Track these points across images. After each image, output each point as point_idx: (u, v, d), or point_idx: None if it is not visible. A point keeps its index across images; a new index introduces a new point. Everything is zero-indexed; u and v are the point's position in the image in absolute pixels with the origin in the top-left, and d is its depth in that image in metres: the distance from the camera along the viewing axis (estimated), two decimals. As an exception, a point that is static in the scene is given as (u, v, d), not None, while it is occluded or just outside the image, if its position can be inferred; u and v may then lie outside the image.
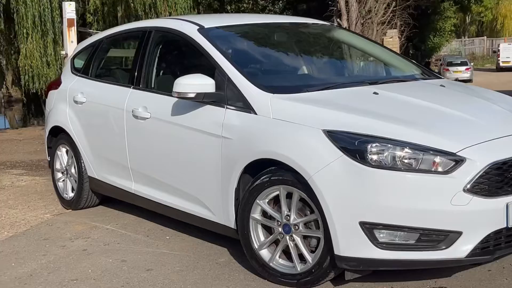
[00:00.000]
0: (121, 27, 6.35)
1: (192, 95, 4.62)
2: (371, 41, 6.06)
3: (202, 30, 5.12)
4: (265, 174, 4.26)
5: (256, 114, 4.40)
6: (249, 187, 4.33)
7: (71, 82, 6.42)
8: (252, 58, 5.25)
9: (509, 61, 43.78)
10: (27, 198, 7.14)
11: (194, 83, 4.61)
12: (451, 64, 37.24)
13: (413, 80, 5.14)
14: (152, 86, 5.44)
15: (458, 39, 53.17)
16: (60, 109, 6.44)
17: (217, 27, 5.27)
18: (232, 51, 5.05)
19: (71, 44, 12.12)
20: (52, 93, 6.73)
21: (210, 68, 4.83)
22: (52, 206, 6.73)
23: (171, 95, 4.95)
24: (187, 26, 5.25)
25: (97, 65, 6.33)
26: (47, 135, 6.74)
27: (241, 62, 4.86)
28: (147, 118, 5.21)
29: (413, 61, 5.67)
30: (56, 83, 6.76)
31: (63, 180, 6.61)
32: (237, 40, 5.40)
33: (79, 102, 6.15)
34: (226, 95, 4.61)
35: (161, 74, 5.55)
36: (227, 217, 4.61)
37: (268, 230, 4.38)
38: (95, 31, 17.58)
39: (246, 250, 4.42)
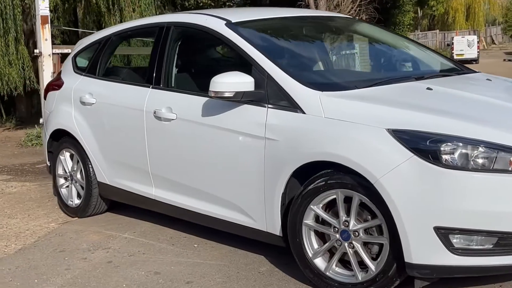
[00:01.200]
0: (130, 23, 5.96)
1: (230, 95, 4.31)
2: (398, 35, 5.81)
3: (230, 25, 4.82)
4: (320, 177, 3.98)
5: (304, 113, 4.12)
6: (302, 192, 4.05)
7: (75, 82, 6.02)
8: (289, 53, 4.96)
9: (463, 54, 44.32)
10: (24, 206, 6.71)
11: (233, 82, 4.31)
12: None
13: (455, 75, 4.92)
14: (175, 85, 5.11)
15: (412, 32, 53.60)
16: (64, 111, 6.04)
17: (245, 21, 4.96)
18: (267, 47, 4.74)
19: (45, 42, 11.61)
20: (52, 95, 6.32)
21: (243, 65, 4.55)
22: (54, 214, 6.34)
23: (200, 95, 4.70)
24: (213, 21, 4.93)
25: (105, 63, 5.94)
26: (47, 139, 6.33)
27: (278, 58, 4.58)
28: (173, 119, 4.88)
29: (443, 54, 5.45)
30: (56, 84, 6.35)
31: (67, 187, 6.22)
32: (268, 35, 5.09)
33: (87, 103, 5.76)
34: (266, 94, 4.33)
35: (185, 72, 5.22)
36: (271, 224, 4.33)
37: (321, 237, 4.11)
38: (59, 26, 17.10)
39: (299, 259, 4.13)
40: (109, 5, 19.38)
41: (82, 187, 6.02)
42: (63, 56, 10.06)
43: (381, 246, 3.85)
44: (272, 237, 4.36)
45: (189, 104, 4.80)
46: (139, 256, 4.93)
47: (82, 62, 6.21)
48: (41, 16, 11.55)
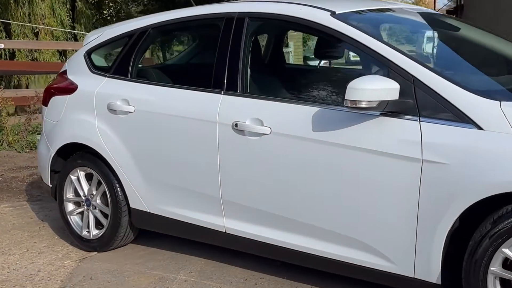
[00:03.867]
0: (175, 13, 4.73)
1: (373, 105, 3.37)
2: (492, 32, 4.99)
3: (338, 16, 3.86)
4: (516, 213, 3.12)
5: (481, 129, 3.23)
6: (489, 231, 3.17)
7: (97, 85, 4.82)
8: (428, 53, 4.04)
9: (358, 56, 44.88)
10: (14, 237, 5.41)
11: (377, 88, 3.37)
12: (308, 58, 37.66)
13: None
14: (259, 91, 4.11)
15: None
16: (82, 121, 4.84)
17: (351, 12, 4.02)
18: (398, 45, 3.80)
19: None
20: (58, 100, 5.06)
21: (364, 65, 3.62)
22: (59, 247, 5.12)
23: (309, 104, 3.72)
24: (313, 11, 3.95)
25: (141, 62, 4.79)
26: (52, 155, 5.09)
27: (420, 58, 3.66)
28: (265, 134, 3.87)
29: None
30: (62, 87, 5.08)
31: (80, 213, 5.03)
32: (387, 31, 4.16)
33: (119, 111, 4.61)
34: (416, 103, 3.41)
35: (273, 74, 4.20)
36: (423, 269, 3.42)
37: (503, 286, 3.25)
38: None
39: (482, 317, 3.25)
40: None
41: (104, 214, 4.86)
42: None
43: None
44: (423, 285, 3.45)
45: (292, 115, 3.79)
46: (225, 308, 3.89)
47: (101, 61, 5.03)
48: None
